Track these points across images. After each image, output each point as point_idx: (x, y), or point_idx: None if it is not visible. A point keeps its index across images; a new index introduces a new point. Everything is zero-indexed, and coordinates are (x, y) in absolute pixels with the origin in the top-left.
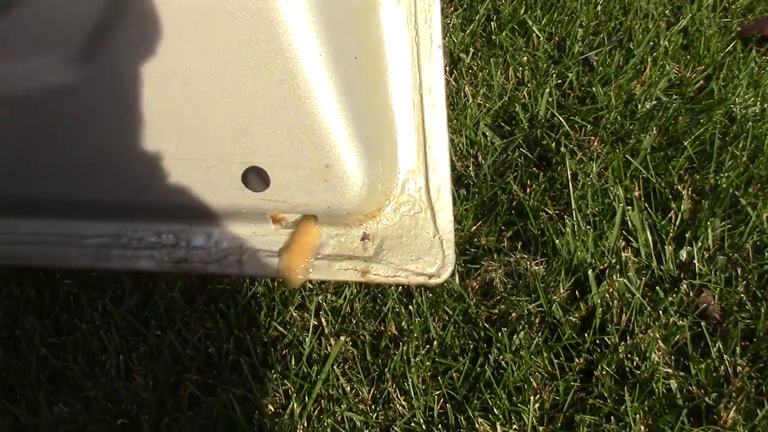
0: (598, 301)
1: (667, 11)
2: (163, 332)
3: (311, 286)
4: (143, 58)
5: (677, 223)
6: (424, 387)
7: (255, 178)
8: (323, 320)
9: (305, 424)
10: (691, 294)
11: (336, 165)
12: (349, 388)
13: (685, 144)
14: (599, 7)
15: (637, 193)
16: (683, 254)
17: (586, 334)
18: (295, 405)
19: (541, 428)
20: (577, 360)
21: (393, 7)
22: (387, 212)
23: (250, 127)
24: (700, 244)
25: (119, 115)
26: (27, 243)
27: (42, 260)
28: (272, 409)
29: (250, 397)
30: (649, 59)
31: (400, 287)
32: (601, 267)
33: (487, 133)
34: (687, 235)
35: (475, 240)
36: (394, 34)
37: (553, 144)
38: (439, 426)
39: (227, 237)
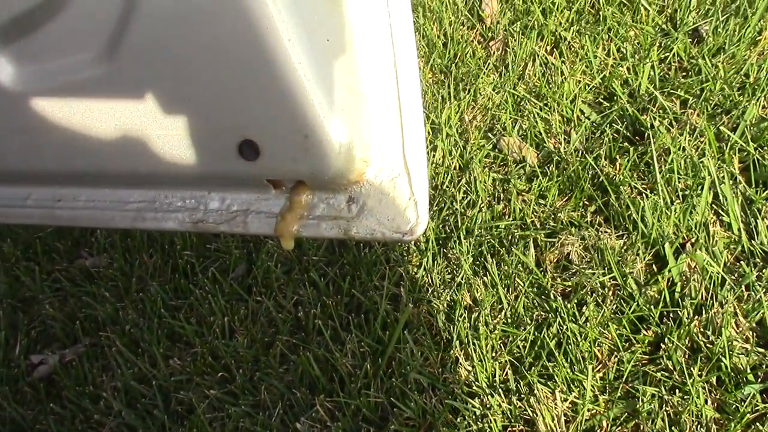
0: (676, 274)
1: None
2: (262, 298)
3: (395, 257)
4: (152, 51)
5: None
6: (492, 354)
7: (248, 149)
8: (402, 289)
9: (378, 384)
10: None
11: (313, 136)
12: (419, 354)
13: None
14: None
15: (736, 167)
16: None
17: (653, 308)
18: (368, 366)
19: (602, 397)
20: (645, 332)
21: None
22: (368, 177)
23: (241, 105)
24: None
25: (140, 98)
26: (85, 208)
27: (94, 222)
28: (349, 368)
29: (329, 357)
30: None
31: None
32: (681, 241)
33: (584, 110)
34: None
35: (558, 215)
36: (368, 15)
37: (648, 119)
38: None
39: (237, 201)
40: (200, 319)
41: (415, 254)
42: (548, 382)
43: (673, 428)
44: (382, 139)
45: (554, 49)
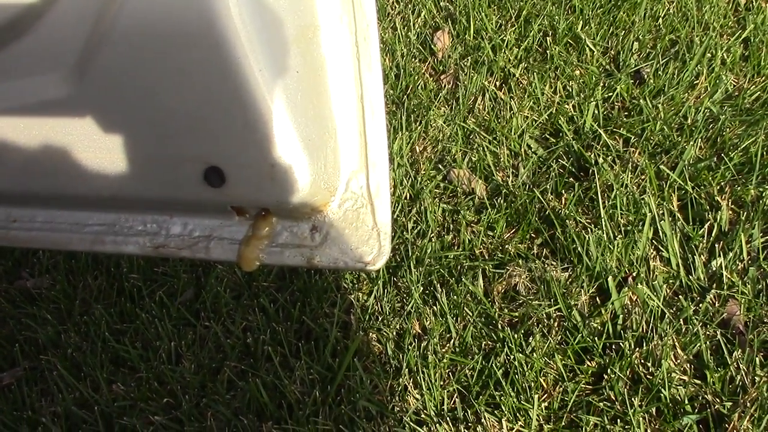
0: (619, 306)
1: (729, 22)
2: (211, 323)
3: (346, 285)
4: (122, 76)
5: (713, 234)
6: (440, 383)
7: (213, 176)
8: (352, 317)
9: (327, 411)
10: (716, 304)
11: (279, 165)
12: (368, 381)
13: (732, 155)
14: (660, 20)
15: (675, 204)
16: (714, 264)
17: (597, 339)
18: (317, 393)
19: (547, 426)
20: (588, 363)
21: (335, 27)
22: (332, 207)
23: (208, 132)
24: (731, 255)
25: (106, 121)
26: (42, 230)
27: (51, 244)
28: (298, 395)
29: (278, 384)
30: (705, 70)
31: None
32: (623, 275)
33: (531, 145)
34: (718, 245)
35: (506, 246)
36: (337, 51)
37: (593, 155)
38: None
39: (199, 226)
40: (146, 344)
41: (365, 282)
42: (495, 411)
43: None
44: (347, 170)
45: (503, 85)
